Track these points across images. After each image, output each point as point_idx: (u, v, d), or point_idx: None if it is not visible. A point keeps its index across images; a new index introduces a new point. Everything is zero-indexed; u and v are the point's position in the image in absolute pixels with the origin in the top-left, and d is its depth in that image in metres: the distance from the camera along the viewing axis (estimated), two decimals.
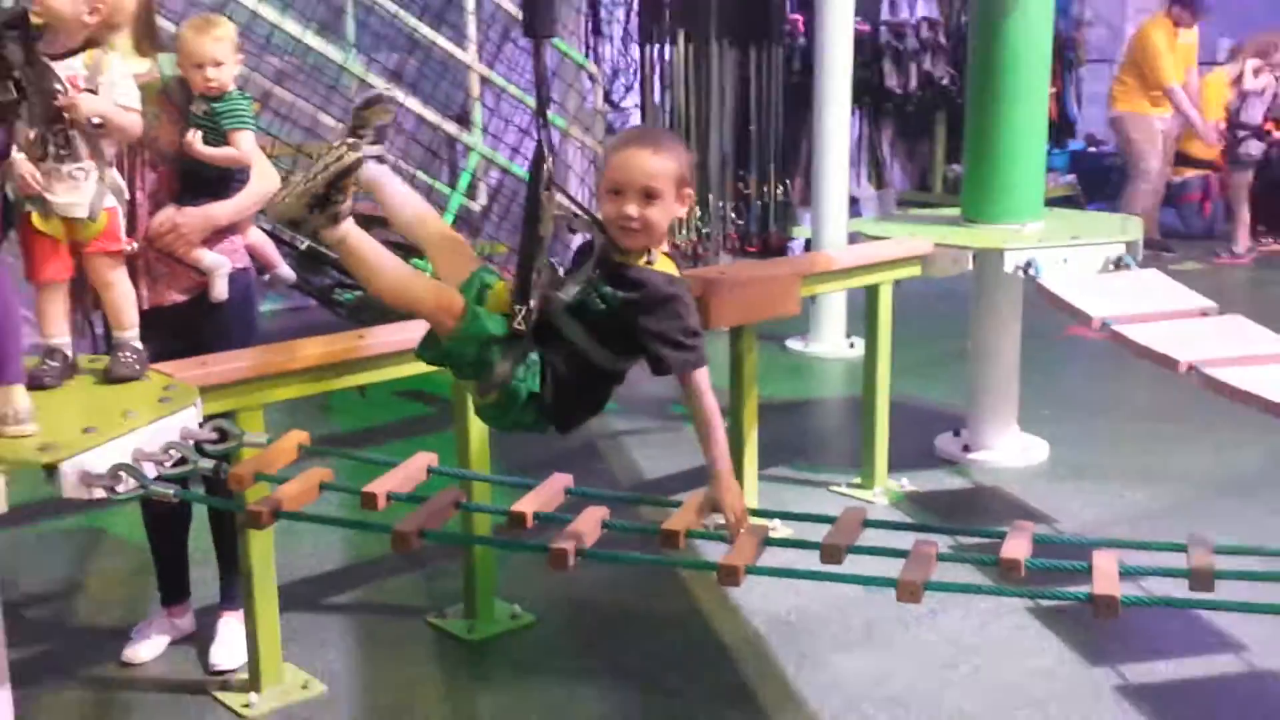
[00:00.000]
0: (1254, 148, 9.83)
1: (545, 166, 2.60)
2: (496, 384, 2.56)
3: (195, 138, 3.61)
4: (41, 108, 3.07)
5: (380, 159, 2.66)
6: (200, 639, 4.03)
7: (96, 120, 3.21)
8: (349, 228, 2.41)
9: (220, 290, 3.68)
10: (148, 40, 3.60)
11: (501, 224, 7.91)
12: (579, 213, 2.73)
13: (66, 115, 3.17)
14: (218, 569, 4.04)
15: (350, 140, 2.44)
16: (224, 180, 3.68)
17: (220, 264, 3.68)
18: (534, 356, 2.58)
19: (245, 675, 3.80)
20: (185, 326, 3.67)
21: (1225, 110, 9.74)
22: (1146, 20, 9.44)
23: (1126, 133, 9.37)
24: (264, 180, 3.75)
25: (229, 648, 3.92)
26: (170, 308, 3.63)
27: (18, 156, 3.11)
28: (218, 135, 3.62)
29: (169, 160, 3.63)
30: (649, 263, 2.61)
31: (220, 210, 3.66)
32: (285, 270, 4.15)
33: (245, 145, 3.66)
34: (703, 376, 2.57)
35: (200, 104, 3.62)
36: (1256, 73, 9.77)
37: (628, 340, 2.58)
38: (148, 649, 3.96)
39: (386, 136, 2.61)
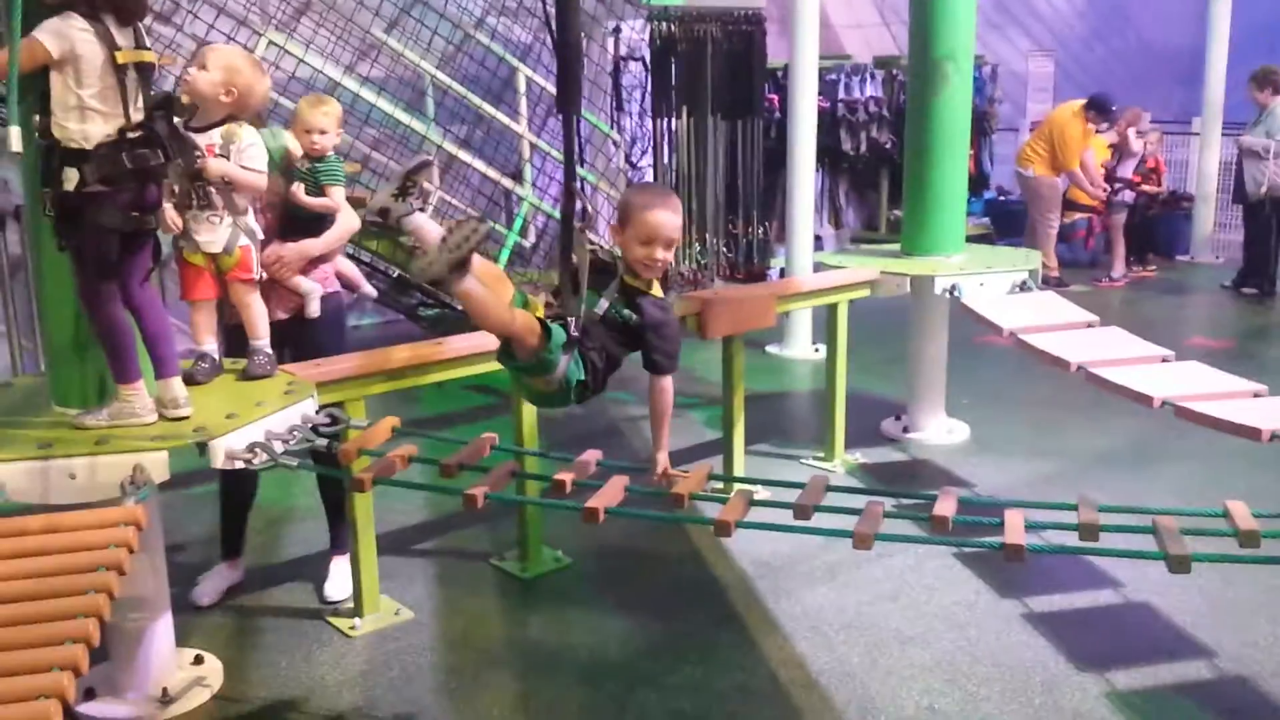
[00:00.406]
0: (1127, 196, 9.81)
1: (574, 216, 2.61)
2: (559, 376, 2.59)
3: (299, 189, 3.61)
4: (184, 169, 3.09)
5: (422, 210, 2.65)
6: (316, 577, 4.03)
7: (227, 179, 3.24)
8: (471, 281, 2.39)
9: (314, 309, 3.67)
10: (258, 119, 3.59)
11: (546, 257, 7.91)
12: (604, 249, 2.75)
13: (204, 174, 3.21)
14: (327, 523, 4.04)
15: (479, 216, 2.45)
16: (317, 221, 3.67)
17: (314, 289, 3.66)
18: (577, 354, 2.61)
19: (351, 604, 3.81)
20: (289, 338, 3.65)
21: (1103, 167, 9.69)
22: (1068, 113, 9.22)
23: (1038, 190, 9.26)
24: (347, 222, 3.74)
25: (337, 583, 3.92)
26: (277, 323, 3.58)
27: (166, 205, 3.13)
28: (316, 188, 3.62)
29: (275, 206, 3.63)
30: (650, 287, 2.71)
31: (313, 245, 3.66)
32: (368, 289, 4.12)
33: (337, 197, 3.65)
34: (670, 378, 2.74)
35: (304, 162, 3.62)
36: (1137, 137, 9.82)
37: (635, 341, 2.69)
38: (210, 593, 3.90)
39: (427, 193, 2.61)
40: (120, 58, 2.71)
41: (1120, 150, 9.86)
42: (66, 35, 2.65)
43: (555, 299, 2.66)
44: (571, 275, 2.59)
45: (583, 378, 2.63)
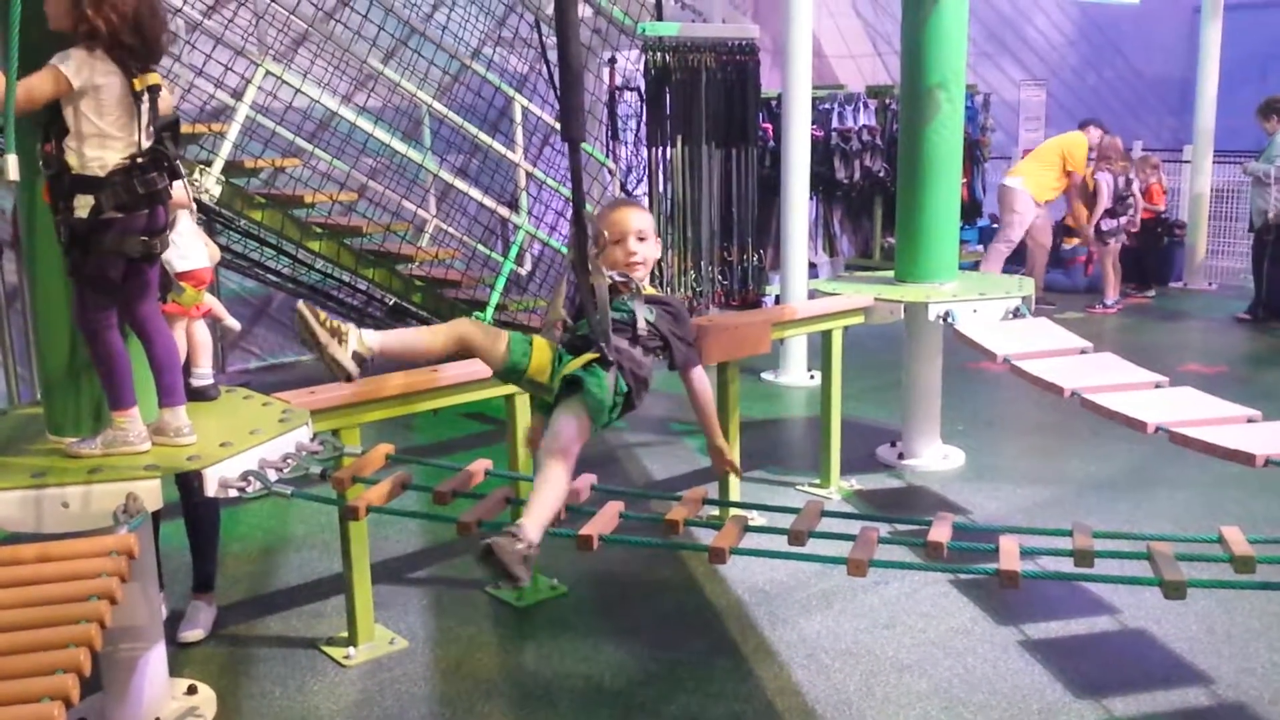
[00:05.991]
0: (1106, 224, 9.79)
1: (588, 240, 2.61)
2: (608, 393, 2.64)
3: None
4: None
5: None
6: (310, 607, 4.00)
7: None
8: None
9: None
10: None
11: (542, 284, 7.92)
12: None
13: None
14: (192, 561, 3.92)
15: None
16: None
17: None
18: (618, 370, 2.67)
19: (345, 633, 3.78)
20: None
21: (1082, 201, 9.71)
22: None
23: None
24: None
25: (193, 624, 3.82)
26: None
27: None
28: None
29: None
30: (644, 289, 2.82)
31: None
32: (232, 322, 3.96)
33: None
34: (701, 367, 2.89)
35: None
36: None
37: (651, 345, 2.77)
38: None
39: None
40: (136, 84, 2.72)
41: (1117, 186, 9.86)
42: (89, 66, 2.65)
43: (563, 329, 2.75)
44: (591, 294, 2.61)
45: (626, 389, 2.68)
